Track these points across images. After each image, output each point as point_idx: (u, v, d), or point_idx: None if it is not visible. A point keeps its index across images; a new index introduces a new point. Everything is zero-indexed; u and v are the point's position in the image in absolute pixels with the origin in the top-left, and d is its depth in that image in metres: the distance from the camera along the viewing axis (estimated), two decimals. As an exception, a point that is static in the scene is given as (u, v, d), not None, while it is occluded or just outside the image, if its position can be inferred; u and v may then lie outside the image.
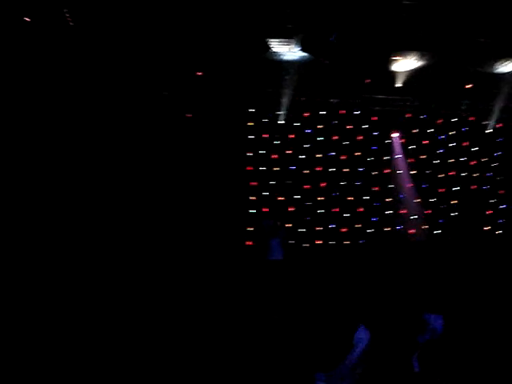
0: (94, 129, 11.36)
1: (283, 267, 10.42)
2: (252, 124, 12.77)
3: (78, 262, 9.54)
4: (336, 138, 13.09)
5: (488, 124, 13.44)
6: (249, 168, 12.70)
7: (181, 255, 10.88)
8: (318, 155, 12.98)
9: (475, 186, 13.44)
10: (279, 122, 12.77)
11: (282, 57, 11.97)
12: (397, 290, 8.06)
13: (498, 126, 13.50)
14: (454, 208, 13.31)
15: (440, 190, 13.35)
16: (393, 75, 12.71)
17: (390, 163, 13.22)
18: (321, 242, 12.65)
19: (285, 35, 11.42)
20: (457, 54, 12.03)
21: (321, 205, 12.80)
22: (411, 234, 13.03)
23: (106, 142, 11.42)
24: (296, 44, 11.68)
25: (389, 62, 12.41)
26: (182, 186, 12.03)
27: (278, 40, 11.65)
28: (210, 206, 12.03)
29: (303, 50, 11.85)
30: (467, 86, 13.04)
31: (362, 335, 4.75)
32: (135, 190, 11.45)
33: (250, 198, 12.60)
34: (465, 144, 13.54)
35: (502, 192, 13.46)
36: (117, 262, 10.00)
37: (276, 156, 12.80)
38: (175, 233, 11.41)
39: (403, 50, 12.01)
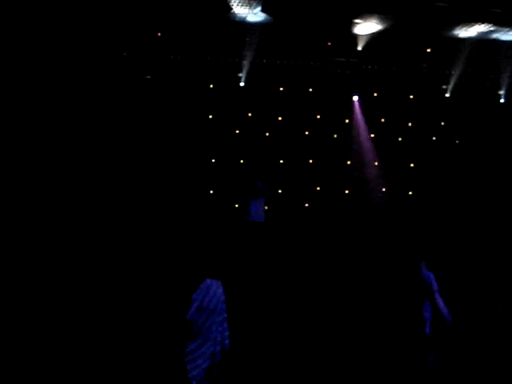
0: (51, 91, 11.21)
1: (265, 229, 10.64)
2: (212, 86, 12.66)
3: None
4: (297, 100, 13.09)
5: (447, 88, 13.54)
6: (210, 131, 12.68)
7: (156, 218, 10.96)
8: (279, 118, 12.99)
9: (432, 150, 13.62)
10: (240, 85, 12.70)
11: (243, 18, 11.88)
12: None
13: (456, 90, 13.58)
14: (413, 170, 13.52)
15: (399, 153, 13.52)
16: (354, 38, 12.72)
17: (351, 126, 13.32)
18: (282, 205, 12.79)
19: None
20: (417, 18, 12.08)
21: (282, 168, 12.90)
22: (371, 196, 13.25)
23: (63, 105, 11.29)
24: (257, 5, 11.59)
25: (350, 25, 12.41)
26: (143, 147, 12.02)
27: (239, 1, 11.55)
28: (173, 169, 12.08)
29: (264, 10, 11.78)
30: (427, 50, 13.10)
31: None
32: (94, 153, 11.41)
33: (212, 160, 12.64)
34: (424, 108, 13.64)
35: (458, 155, 13.68)
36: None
37: (236, 118, 12.79)
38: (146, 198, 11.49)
39: (365, 13, 12.01)
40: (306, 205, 12.92)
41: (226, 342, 4.75)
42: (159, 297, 6.98)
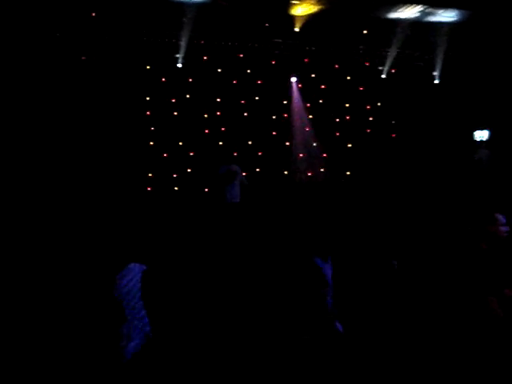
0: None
1: (241, 209, 10.69)
2: (149, 67, 12.49)
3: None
4: (235, 82, 13.06)
5: (383, 69, 13.74)
6: (148, 113, 12.54)
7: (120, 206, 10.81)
8: (217, 99, 12.95)
9: (369, 130, 13.87)
10: (178, 66, 12.57)
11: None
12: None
13: (392, 71, 13.81)
14: (350, 151, 13.74)
15: (336, 134, 13.70)
16: (292, 19, 12.72)
17: (289, 107, 13.40)
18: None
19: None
20: (353, -1, 12.16)
21: (221, 149, 12.88)
22: (310, 176, 13.43)
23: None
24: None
25: (288, 5, 12.40)
26: (79, 131, 11.79)
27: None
28: (111, 154, 11.92)
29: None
30: (364, 32, 13.23)
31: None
32: (27, 139, 11.14)
33: (150, 143, 12.53)
34: (361, 88, 13.83)
35: (393, 136, 13.97)
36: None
37: (174, 100, 12.68)
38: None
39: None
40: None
41: (147, 328, 4.75)
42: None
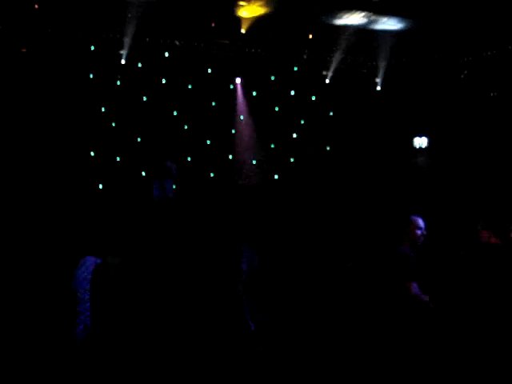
0: None
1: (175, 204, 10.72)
2: (92, 63, 12.32)
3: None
4: (179, 80, 13.02)
5: (327, 74, 13.92)
6: (90, 109, 12.39)
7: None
8: (161, 98, 12.88)
9: (313, 133, 14.04)
10: (121, 62, 12.45)
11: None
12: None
13: (335, 76, 14.01)
14: (292, 154, 13.89)
15: (280, 137, 13.83)
16: (238, 21, 12.74)
17: (232, 108, 13.45)
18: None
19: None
20: (300, 4, 12.24)
21: (163, 148, 12.81)
22: (248, 178, 13.52)
23: None
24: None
25: (235, 7, 12.40)
26: (18, 126, 11.55)
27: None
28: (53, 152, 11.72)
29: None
30: (309, 37, 13.37)
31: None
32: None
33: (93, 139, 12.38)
34: (304, 92, 13.98)
35: (334, 139, 14.19)
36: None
37: (116, 97, 12.56)
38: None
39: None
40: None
41: (88, 321, 4.87)
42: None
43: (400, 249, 4.61)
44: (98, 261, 4.98)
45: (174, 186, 11.65)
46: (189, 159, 13.14)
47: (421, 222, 4.74)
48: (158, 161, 11.20)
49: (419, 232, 4.70)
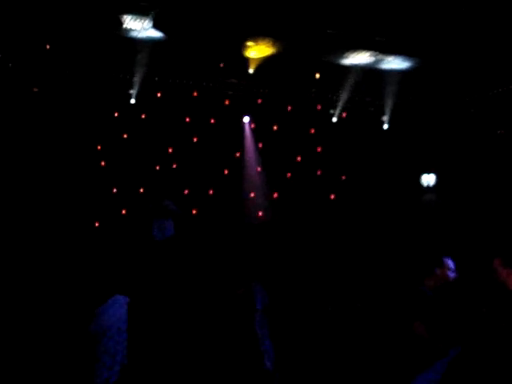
0: None
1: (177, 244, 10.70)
2: (102, 102, 12.45)
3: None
4: (188, 120, 13.13)
5: (334, 113, 14.02)
6: (99, 147, 12.47)
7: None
8: (169, 137, 12.97)
9: (320, 172, 14.06)
10: (131, 102, 12.57)
11: (134, 34, 11.75)
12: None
13: (343, 115, 14.10)
14: (300, 192, 13.88)
15: (288, 175, 13.85)
16: (246, 61, 12.90)
17: (241, 147, 13.51)
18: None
19: (138, 12, 11.20)
20: (307, 43, 12.41)
21: (172, 186, 12.85)
22: (259, 216, 13.49)
23: None
24: (149, 21, 11.50)
25: (243, 47, 12.57)
26: (29, 163, 11.63)
27: (131, 16, 11.41)
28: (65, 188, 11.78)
29: (155, 27, 11.71)
30: (316, 76, 13.51)
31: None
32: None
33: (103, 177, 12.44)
34: (312, 131, 14.06)
35: (343, 177, 14.19)
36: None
37: (126, 135, 12.65)
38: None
39: (256, 36, 12.21)
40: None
41: (125, 361, 4.67)
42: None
43: (422, 288, 4.56)
44: (128, 300, 4.83)
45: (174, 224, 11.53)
46: (195, 198, 13.10)
47: (451, 264, 4.70)
48: (156, 200, 11.18)
49: (451, 274, 4.65)
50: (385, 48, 12.76)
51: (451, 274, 4.63)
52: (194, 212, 13.01)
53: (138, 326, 4.77)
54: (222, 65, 12.91)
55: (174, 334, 6.46)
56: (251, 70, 12.95)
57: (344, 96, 13.75)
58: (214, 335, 5.54)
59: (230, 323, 4.82)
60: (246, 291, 4.87)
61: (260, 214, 13.55)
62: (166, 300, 7.92)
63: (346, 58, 13.00)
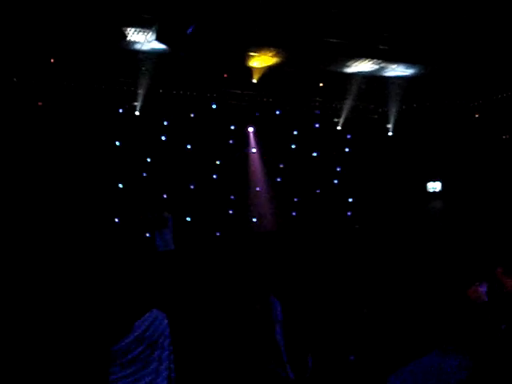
0: None
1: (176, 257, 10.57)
2: (107, 114, 12.49)
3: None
4: (193, 130, 13.16)
5: (338, 121, 14.04)
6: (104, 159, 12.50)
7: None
8: (174, 148, 12.99)
9: (325, 180, 14.06)
10: (136, 114, 12.61)
11: (138, 47, 11.81)
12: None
13: (347, 123, 14.12)
14: (306, 200, 13.88)
15: (293, 183, 13.86)
16: (249, 71, 12.94)
17: (246, 157, 13.54)
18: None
19: (142, 24, 11.25)
20: (310, 52, 12.45)
21: (178, 197, 12.88)
22: (264, 225, 13.48)
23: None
24: (153, 34, 11.55)
25: (246, 57, 12.62)
26: (34, 175, 11.66)
27: (134, 29, 11.47)
28: (69, 199, 11.79)
29: (159, 40, 11.75)
30: (320, 85, 13.54)
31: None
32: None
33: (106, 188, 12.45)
34: (316, 140, 14.07)
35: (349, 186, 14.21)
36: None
37: (131, 147, 12.68)
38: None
39: (260, 46, 12.25)
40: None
41: (173, 375, 4.72)
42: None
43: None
44: (165, 315, 4.85)
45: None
46: (201, 209, 13.11)
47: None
48: (155, 211, 11.18)
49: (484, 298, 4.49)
50: (388, 56, 12.80)
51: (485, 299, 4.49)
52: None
53: (181, 341, 4.82)
54: (225, 75, 12.91)
55: (208, 347, 6.44)
56: (255, 80, 13.01)
57: (348, 104, 13.77)
58: (238, 349, 5.55)
59: (253, 337, 4.80)
60: (265, 304, 4.85)
61: (266, 222, 13.54)
62: (197, 314, 7.91)
63: (350, 66, 13.03)
